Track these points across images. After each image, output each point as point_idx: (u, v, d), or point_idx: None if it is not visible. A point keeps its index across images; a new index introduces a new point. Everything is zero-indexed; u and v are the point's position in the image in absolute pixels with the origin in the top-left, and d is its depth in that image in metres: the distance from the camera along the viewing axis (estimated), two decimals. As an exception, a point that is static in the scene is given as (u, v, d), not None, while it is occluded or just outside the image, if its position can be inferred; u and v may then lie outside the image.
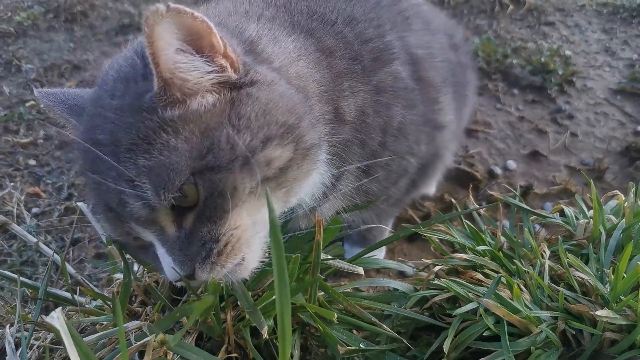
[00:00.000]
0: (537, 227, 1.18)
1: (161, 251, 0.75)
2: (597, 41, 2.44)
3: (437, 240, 1.03)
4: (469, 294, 0.87)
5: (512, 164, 1.86)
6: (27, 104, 2.15)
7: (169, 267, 0.74)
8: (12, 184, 1.83)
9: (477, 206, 1.16)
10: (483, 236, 1.02)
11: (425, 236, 1.08)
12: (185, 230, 0.74)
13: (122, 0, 2.82)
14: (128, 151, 0.71)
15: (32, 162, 1.92)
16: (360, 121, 0.97)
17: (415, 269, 1.12)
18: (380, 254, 1.58)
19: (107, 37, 2.57)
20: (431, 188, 1.72)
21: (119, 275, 1.11)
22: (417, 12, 1.27)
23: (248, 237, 0.76)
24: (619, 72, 2.24)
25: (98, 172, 0.73)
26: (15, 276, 0.94)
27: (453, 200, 1.72)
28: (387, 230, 1.52)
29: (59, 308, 0.64)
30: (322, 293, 0.94)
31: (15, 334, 0.88)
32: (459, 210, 1.69)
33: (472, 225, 1.03)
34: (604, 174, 1.81)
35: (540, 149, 1.91)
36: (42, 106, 2.14)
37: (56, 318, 0.62)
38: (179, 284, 0.83)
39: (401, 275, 1.47)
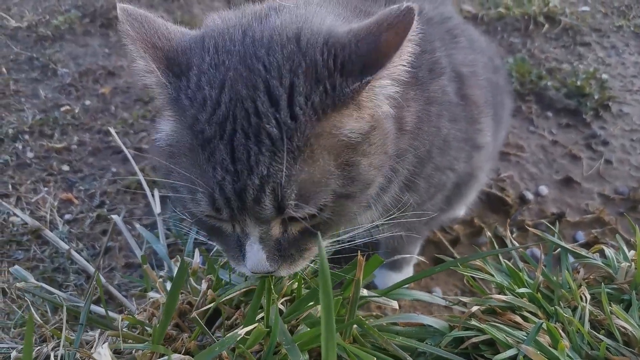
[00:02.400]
0: (571, 258, 1.16)
1: (256, 246, 0.77)
2: (635, 64, 2.39)
3: (472, 277, 1.02)
4: (507, 338, 0.85)
5: (544, 189, 1.83)
6: (62, 109, 2.19)
7: (260, 260, 0.77)
8: (45, 188, 1.86)
9: (516, 243, 1.14)
10: (521, 275, 1.01)
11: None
12: (289, 236, 0.78)
13: (157, 6, 2.85)
14: (289, 153, 0.71)
15: (65, 167, 1.95)
16: (417, 128, 0.97)
17: (449, 303, 1.11)
18: (407, 276, 1.57)
19: (141, 44, 2.60)
20: (461, 210, 1.71)
21: (153, 294, 1.12)
22: (463, 30, 1.28)
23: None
24: (656, 97, 2.19)
25: (238, 157, 0.71)
26: (62, 293, 0.96)
27: (483, 225, 1.71)
28: (416, 250, 1.52)
29: (106, 344, 0.65)
30: (356, 326, 0.94)
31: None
32: (488, 235, 1.68)
33: (510, 264, 1.01)
34: (638, 204, 1.77)
35: (573, 175, 1.87)
36: (76, 111, 2.18)
37: (104, 355, 0.62)
38: (252, 275, 0.85)
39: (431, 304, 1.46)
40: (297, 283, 0.95)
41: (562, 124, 2.08)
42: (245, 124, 0.71)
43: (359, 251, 0.86)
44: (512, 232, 1.65)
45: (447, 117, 1.06)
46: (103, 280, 1.44)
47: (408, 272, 1.58)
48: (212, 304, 0.93)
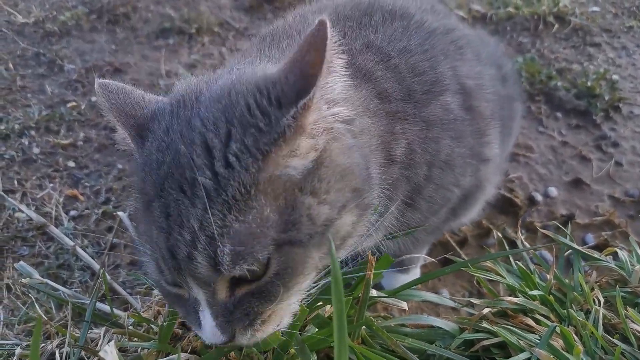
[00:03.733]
0: (582, 261, 1.15)
1: (206, 312, 0.72)
2: (646, 65, 2.36)
3: (484, 279, 1.00)
4: (519, 341, 0.84)
5: (553, 190, 1.81)
6: (68, 105, 2.18)
7: (211, 329, 0.71)
8: (51, 184, 1.85)
9: (527, 245, 1.12)
10: (533, 277, 0.99)
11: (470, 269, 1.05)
12: (235, 298, 0.71)
13: (164, 3, 2.84)
14: (223, 204, 0.67)
15: (71, 163, 1.94)
16: (409, 159, 0.94)
17: (458, 304, 1.10)
18: (415, 277, 1.55)
19: (148, 40, 2.59)
20: (467, 219, 1.68)
21: (158, 292, 1.11)
22: (469, 41, 1.25)
23: (291, 305, 0.76)
24: (667, 99, 2.17)
25: (171, 213, 0.69)
26: (67, 290, 0.95)
27: (491, 227, 1.69)
28: (423, 252, 1.50)
29: (112, 342, 0.64)
30: (364, 327, 0.92)
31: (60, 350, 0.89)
32: (497, 236, 1.66)
33: (522, 266, 1.00)
34: (649, 207, 1.75)
35: (583, 177, 1.85)
36: (82, 107, 2.17)
37: (110, 353, 0.61)
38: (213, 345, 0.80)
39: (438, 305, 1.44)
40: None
41: (571, 124, 2.05)
42: (181, 180, 0.69)
43: (369, 251, 0.84)
44: (521, 234, 1.63)
45: (450, 136, 1.02)
46: (108, 277, 1.43)
47: (415, 273, 1.56)
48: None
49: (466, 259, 1.63)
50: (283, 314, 0.76)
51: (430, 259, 1.52)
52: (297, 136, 0.69)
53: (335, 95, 0.73)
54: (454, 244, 1.66)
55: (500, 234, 1.52)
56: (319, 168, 0.72)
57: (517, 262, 1.02)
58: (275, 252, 0.68)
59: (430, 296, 1.06)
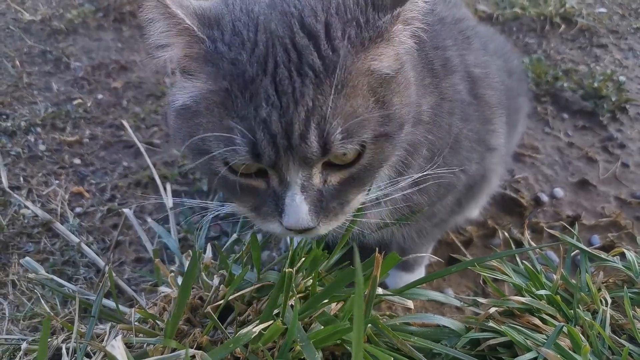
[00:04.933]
0: (589, 262, 1.14)
1: (297, 197, 0.75)
2: (652, 67, 2.35)
3: (490, 278, 1.00)
4: (526, 341, 0.84)
5: (559, 191, 1.81)
6: (74, 102, 2.18)
7: (301, 214, 0.75)
8: (57, 181, 1.85)
9: (533, 244, 1.12)
10: (540, 277, 0.99)
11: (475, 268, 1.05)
12: (329, 187, 0.78)
13: (170, 2, 2.85)
14: (332, 86, 0.71)
15: (77, 160, 1.94)
16: (433, 121, 0.96)
17: (463, 304, 1.09)
18: (420, 276, 1.55)
19: (154, 39, 2.59)
20: (474, 212, 1.68)
21: (164, 289, 1.11)
22: (476, 32, 1.27)
23: (359, 200, 0.84)
24: (674, 101, 2.15)
25: (285, 91, 0.71)
26: (73, 286, 0.95)
27: (496, 227, 1.68)
28: (428, 251, 1.50)
29: (119, 337, 0.64)
30: (370, 325, 0.92)
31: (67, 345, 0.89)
32: (502, 236, 1.65)
33: (529, 265, 0.99)
34: (656, 209, 1.74)
35: (589, 178, 1.84)
36: (89, 105, 2.17)
37: (117, 348, 0.61)
38: (293, 235, 0.83)
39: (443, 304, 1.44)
40: (311, 280, 0.93)
41: (578, 125, 2.04)
42: (285, 60, 0.72)
43: (376, 249, 0.84)
44: (527, 234, 1.62)
45: (459, 116, 1.04)
46: (113, 274, 1.43)
47: (420, 272, 1.56)
48: (223, 300, 0.92)
49: (471, 258, 1.63)
50: (354, 206, 0.83)
51: (435, 258, 1.52)
52: (386, 40, 0.77)
53: (415, 14, 0.79)
54: (459, 244, 1.66)
55: (506, 234, 1.52)
56: (399, 71, 0.79)
57: (524, 262, 1.02)
58: (371, 142, 0.75)
59: (436, 295, 1.06)
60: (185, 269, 1.16)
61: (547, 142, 1.98)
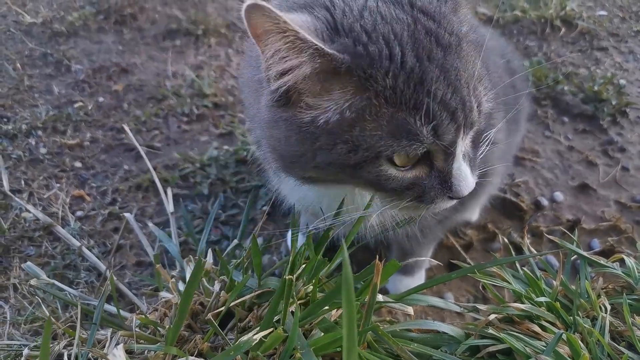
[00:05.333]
0: (589, 268, 1.14)
1: (463, 166, 0.83)
2: (653, 70, 2.36)
3: (491, 285, 1.00)
4: (526, 348, 0.84)
5: (559, 195, 1.81)
6: (75, 105, 2.19)
7: (470, 179, 0.84)
8: (58, 185, 1.86)
9: (533, 250, 1.12)
10: (539, 283, 0.99)
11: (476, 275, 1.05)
12: (473, 148, 0.87)
13: (171, 4, 2.85)
14: (466, 54, 0.80)
15: (78, 164, 1.95)
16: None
17: (463, 310, 1.09)
18: (420, 280, 1.55)
19: (155, 41, 2.60)
20: (474, 214, 1.69)
21: (165, 294, 1.11)
22: (475, 26, 1.29)
23: None
24: (675, 104, 2.16)
25: (448, 70, 0.76)
26: (74, 291, 0.95)
27: (497, 231, 1.68)
28: (429, 254, 1.51)
29: (121, 345, 0.64)
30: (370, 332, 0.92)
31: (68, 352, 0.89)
32: (502, 241, 1.66)
33: (529, 272, 0.99)
34: (656, 213, 1.74)
35: (589, 182, 1.85)
36: (90, 108, 2.18)
37: (119, 356, 0.61)
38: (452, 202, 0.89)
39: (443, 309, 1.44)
40: (312, 287, 0.93)
41: (578, 129, 2.05)
42: (428, 43, 0.76)
43: (377, 256, 0.85)
44: (527, 239, 1.62)
45: None
46: (114, 278, 1.43)
47: (420, 276, 1.56)
48: (224, 307, 0.92)
49: (472, 263, 1.63)
50: (477, 162, 0.90)
51: (435, 262, 1.53)
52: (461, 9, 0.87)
53: None
54: (459, 248, 1.66)
55: (506, 239, 1.52)
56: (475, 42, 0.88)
57: (523, 268, 1.02)
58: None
59: (436, 301, 1.06)
60: (186, 274, 1.17)
61: (547, 146, 1.98)
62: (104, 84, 2.31)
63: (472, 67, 0.80)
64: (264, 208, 1.75)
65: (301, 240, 1.56)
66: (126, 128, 1.37)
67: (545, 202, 1.78)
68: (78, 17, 2.68)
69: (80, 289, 1.51)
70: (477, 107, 0.80)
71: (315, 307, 0.88)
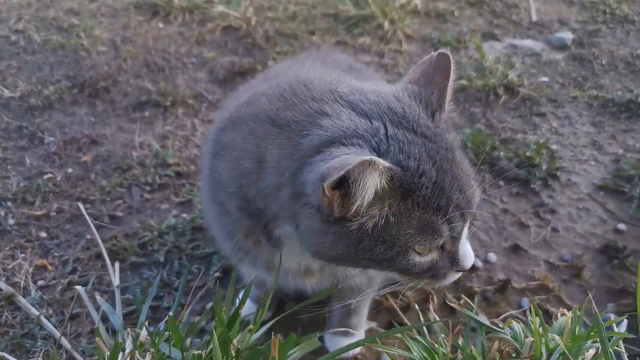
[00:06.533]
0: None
1: (467, 244, 1.06)
2: (586, 134, 2.55)
3: (394, 354, 1.12)
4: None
5: (492, 256, 1.95)
6: (45, 177, 2.32)
7: (471, 253, 1.07)
8: (22, 255, 1.97)
9: (436, 318, 1.24)
10: (438, 349, 1.11)
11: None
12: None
13: (143, 77, 3.05)
14: (464, 160, 1.02)
15: (43, 234, 2.06)
16: None
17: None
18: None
19: (125, 113, 2.77)
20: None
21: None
22: None
23: None
24: (604, 167, 2.33)
25: (460, 179, 0.96)
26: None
27: (432, 292, 1.80)
28: (365, 312, 1.62)
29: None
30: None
31: None
32: (436, 302, 1.78)
33: (422, 340, 1.11)
34: (581, 272, 1.87)
35: (521, 243, 1.99)
36: (58, 179, 2.31)
37: None
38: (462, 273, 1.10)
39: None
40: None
41: (512, 192, 2.21)
42: (444, 156, 0.96)
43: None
44: (460, 299, 1.74)
45: None
46: (68, 346, 1.53)
47: (360, 336, 1.66)
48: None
49: (409, 323, 1.74)
50: None
51: (373, 325, 1.63)
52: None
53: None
54: (397, 310, 1.77)
55: (440, 300, 1.64)
56: None
57: (417, 337, 1.14)
58: None
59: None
60: (126, 345, 1.27)
61: (483, 209, 2.13)
62: (74, 155, 2.46)
63: (467, 168, 1.01)
64: (217, 274, 1.86)
65: (250, 308, 1.67)
66: (81, 207, 1.51)
67: (479, 263, 1.92)
68: (54, 91, 2.85)
69: (35, 358, 1.60)
70: (475, 200, 1.02)
71: None
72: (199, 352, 0.91)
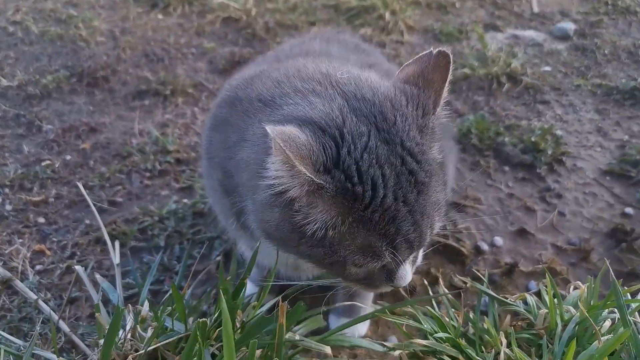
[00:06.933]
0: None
1: (408, 268, 1.02)
2: (590, 121, 2.52)
3: (402, 324, 1.09)
4: (423, 380, 0.91)
5: (499, 240, 1.91)
6: (43, 163, 2.28)
7: (409, 276, 1.03)
8: (20, 240, 1.93)
9: (446, 291, 1.21)
10: (448, 321, 1.07)
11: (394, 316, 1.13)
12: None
13: (142, 67, 3.01)
14: (439, 184, 0.97)
15: (41, 219, 2.03)
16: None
17: (386, 349, 1.17)
18: (363, 326, 1.62)
19: (124, 102, 2.73)
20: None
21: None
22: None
23: None
24: (610, 152, 2.31)
25: (416, 212, 0.92)
26: (21, 342, 1.00)
27: (438, 275, 1.77)
28: (371, 297, 1.59)
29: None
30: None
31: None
32: (443, 285, 1.74)
33: (433, 311, 1.08)
34: (589, 255, 1.84)
35: (527, 227, 1.96)
36: (57, 166, 2.28)
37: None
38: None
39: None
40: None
41: (518, 177, 2.18)
42: (407, 185, 0.91)
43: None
44: (465, 283, 1.71)
45: None
46: (67, 329, 1.49)
47: (364, 322, 1.63)
48: (143, 350, 0.99)
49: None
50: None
51: (379, 306, 1.60)
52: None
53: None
54: (403, 293, 1.73)
55: (446, 283, 1.61)
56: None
57: (428, 307, 1.11)
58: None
59: (359, 341, 1.14)
60: (127, 322, 1.23)
61: (488, 194, 2.10)
62: (73, 143, 2.42)
63: (434, 199, 0.96)
64: (218, 258, 1.83)
65: (251, 289, 1.64)
66: (80, 185, 1.47)
67: (485, 246, 1.89)
68: (52, 80, 2.82)
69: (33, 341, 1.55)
70: (430, 232, 0.98)
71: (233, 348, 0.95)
72: (204, 320, 0.88)
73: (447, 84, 0.99)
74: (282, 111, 0.98)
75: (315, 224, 0.91)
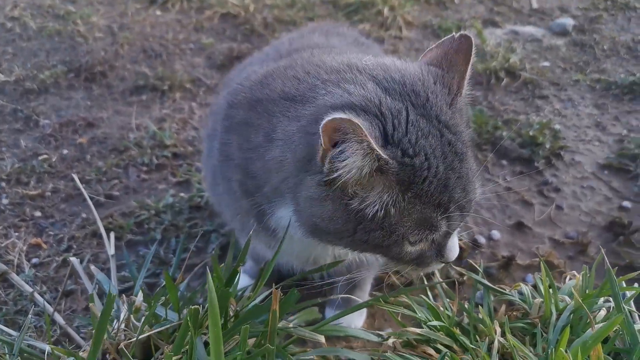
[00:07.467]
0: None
1: (456, 239, 1.05)
2: (589, 115, 2.52)
3: (395, 313, 1.08)
4: (417, 368, 0.91)
5: (496, 233, 1.91)
6: (40, 158, 2.28)
7: (457, 248, 1.05)
8: (16, 234, 1.92)
9: (440, 280, 1.21)
10: (442, 310, 1.07)
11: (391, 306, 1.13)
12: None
13: (140, 62, 3.01)
14: (472, 155, 1.00)
15: (38, 213, 2.02)
16: None
17: (381, 338, 1.16)
18: (359, 318, 1.61)
19: (122, 97, 2.73)
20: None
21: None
22: None
23: None
24: (608, 147, 2.30)
25: (465, 178, 0.95)
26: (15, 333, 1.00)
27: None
28: (367, 288, 1.59)
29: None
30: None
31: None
32: (440, 278, 1.74)
33: (428, 300, 1.08)
34: (587, 248, 1.84)
35: (525, 221, 1.95)
36: (54, 160, 2.27)
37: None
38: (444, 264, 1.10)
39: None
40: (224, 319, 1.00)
41: (515, 171, 2.17)
42: (453, 156, 0.93)
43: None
44: (463, 275, 1.70)
45: None
46: (62, 321, 1.49)
47: (361, 312, 1.63)
48: (135, 339, 0.99)
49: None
50: None
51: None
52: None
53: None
54: (400, 286, 1.73)
55: (442, 276, 1.60)
56: None
57: (422, 296, 1.10)
58: None
59: (353, 331, 1.13)
60: (121, 312, 1.23)
61: (486, 188, 2.10)
62: (70, 137, 2.42)
63: (473, 167, 0.99)
64: (214, 252, 1.82)
65: (245, 281, 1.63)
66: (76, 178, 1.46)
67: (482, 240, 1.88)
68: (49, 75, 2.81)
69: (29, 334, 1.55)
70: (475, 197, 1.01)
71: (225, 334, 0.95)
72: (196, 307, 0.87)
73: (470, 66, 1.01)
74: (316, 103, 0.97)
75: (375, 206, 0.92)
